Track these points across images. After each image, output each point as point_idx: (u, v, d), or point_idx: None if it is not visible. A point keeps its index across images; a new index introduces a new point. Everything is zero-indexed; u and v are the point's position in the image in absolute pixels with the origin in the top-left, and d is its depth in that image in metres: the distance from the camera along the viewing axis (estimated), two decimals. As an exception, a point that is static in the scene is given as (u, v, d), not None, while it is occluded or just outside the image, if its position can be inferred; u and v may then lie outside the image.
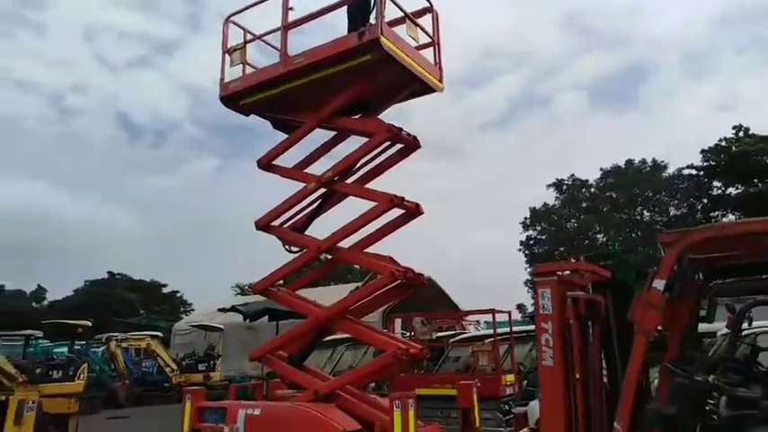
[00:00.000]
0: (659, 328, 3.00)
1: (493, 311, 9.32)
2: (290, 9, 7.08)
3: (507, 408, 8.41)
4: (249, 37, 7.43)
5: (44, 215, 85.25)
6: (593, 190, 42.27)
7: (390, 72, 6.54)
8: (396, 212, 6.92)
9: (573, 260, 4.08)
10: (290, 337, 7.14)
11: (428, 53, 7.18)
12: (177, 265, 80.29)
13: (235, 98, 7.24)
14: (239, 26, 7.42)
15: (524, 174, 74.76)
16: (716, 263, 3.74)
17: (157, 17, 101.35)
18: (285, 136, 7.57)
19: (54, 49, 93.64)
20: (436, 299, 24.13)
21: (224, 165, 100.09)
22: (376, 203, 6.63)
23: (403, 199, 6.58)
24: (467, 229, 76.32)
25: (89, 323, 17.08)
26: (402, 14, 6.78)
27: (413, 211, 6.77)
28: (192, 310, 53.01)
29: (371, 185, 7.20)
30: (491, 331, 10.19)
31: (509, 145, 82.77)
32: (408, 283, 6.63)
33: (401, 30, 6.76)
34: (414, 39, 6.86)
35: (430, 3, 7.22)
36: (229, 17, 7.46)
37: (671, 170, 39.16)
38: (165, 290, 57.21)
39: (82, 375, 15.91)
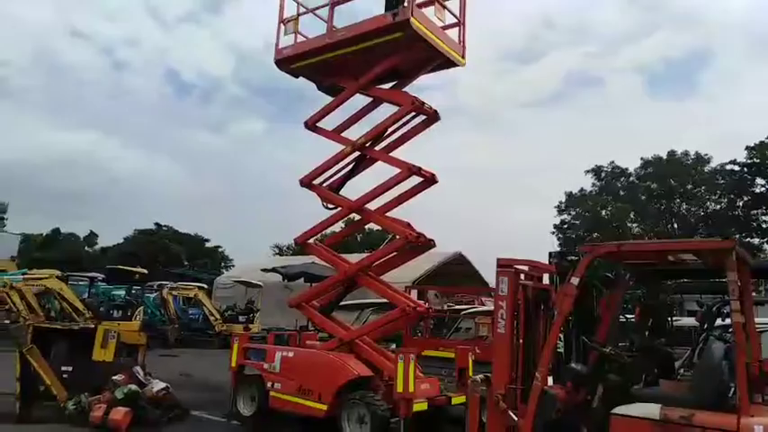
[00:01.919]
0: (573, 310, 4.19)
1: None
2: None
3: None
4: (302, 10, 8.71)
5: (96, 164, 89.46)
6: (631, 179, 42.13)
7: (418, 48, 7.84)
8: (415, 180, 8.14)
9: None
10: (323, 288, 8.58)
11: (454, 32, 8.37)
12: (219, 220, 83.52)
13: (287, 62, 8.66)
14: (295, 0, 8.71)
15: (567, 154, 74.14)
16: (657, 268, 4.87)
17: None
18: (328, 98, 8.91)
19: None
20: (468, 274, 25.38)
21: (267, 126, 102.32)
22: (399, 171, 7.91)
23: (420, 169, 7.86)
24: (505, 205, 76.76)
25: (146, 271, 19.12)
26: None
27: (429, 180, 8.03)
28: (233, 265, 55.70)
29: (397, 153, 8.49)
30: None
31: (557, 124, 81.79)
32: (421, 247, 7.94)
33: (430, 11, 7.96)
34: (440, 20, 8.08)
35: None
36: None
37: (714, 164, 38.71)
38: (207, 244, 59.94)
39: (138, 316, 18.00)
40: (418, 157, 8.09)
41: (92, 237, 62.76)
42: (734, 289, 3.51)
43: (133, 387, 7.44)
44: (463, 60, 8.34)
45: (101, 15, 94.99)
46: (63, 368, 7.90)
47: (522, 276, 4.80)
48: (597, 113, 77.70)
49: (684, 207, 40.34)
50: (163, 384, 7.85)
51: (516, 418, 4.20)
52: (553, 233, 43.36)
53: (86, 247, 61.10)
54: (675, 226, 40.69)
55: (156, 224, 58.82)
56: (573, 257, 4.74)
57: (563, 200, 43.36)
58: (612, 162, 42.48)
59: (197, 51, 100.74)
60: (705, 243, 4.09)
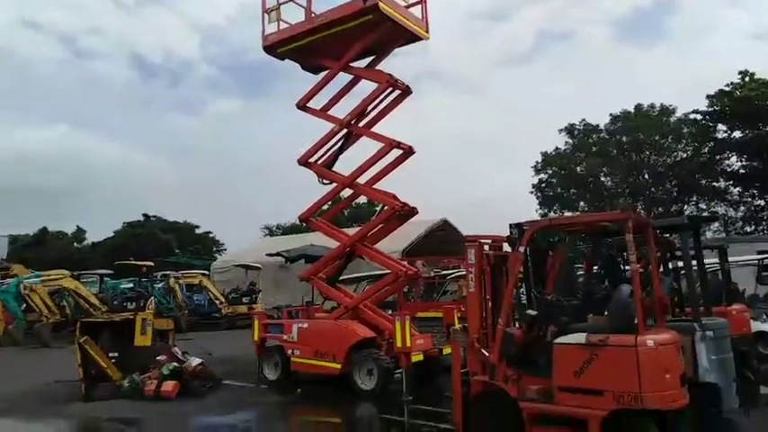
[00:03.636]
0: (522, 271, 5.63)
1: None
2: None
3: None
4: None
5: (74, 159, 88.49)
6: (602, 134, 43.75)
7: (387, 28, 9.16)
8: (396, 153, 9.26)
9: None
10: (326, 261, 9.90)
11: (418, 10, 9.57)
12: (205, 205, 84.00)
13: (273, 47, 9.88)
14: None
15: (541, 113, 75.50)
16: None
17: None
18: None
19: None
20: (454, 240, 26.91)
21: (241, 104, 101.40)
22: (381, 145, 9.16)
23: (399, 143, 9.17)
24: (486, 166, 78.38)
25: (152, 264, 20.32)
26: None
27: (408, 152, 9.32)
28: (224, 249, 56.78)
29: (379, 126, 9.64)
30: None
31: (529, 82, 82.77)
32: (405, 214, 9.27)
33: None
34: (404, 0, 9.32)
35: None
36: None
37: (679, 114, 40.40)
38: (198, 230, 60.75)
39: (150, 306, 19.27)
40: (400, 126, 9.16)
41: (80, 233, 63.05)
42: (630, 246, 4.94)
43: (175, 364, 8.82)
44: (427, 35, 9.62)
45: (58, 4, 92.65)
46: (110, 354, 9.21)
47: (487, 247, 6.20)
48: (571, 67, 78.81)
49: (653, 158, 42.11)
50: (198, 360, 9.24)
51: (487, 354, 5.65)
52: (532, 192, 45.17)
53: (75, 244, 61.44)
54: (647, 177, 42.60)
55: (144, 215, 59.38)
56: (525, 228, 6.13)
57: (539, 160, 44.97)
58: (584, 120, 44.04)
59: (161, 33, 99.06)
60: (610, 215, 5.53)
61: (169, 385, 8.46)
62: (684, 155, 40.62)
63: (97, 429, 7.23)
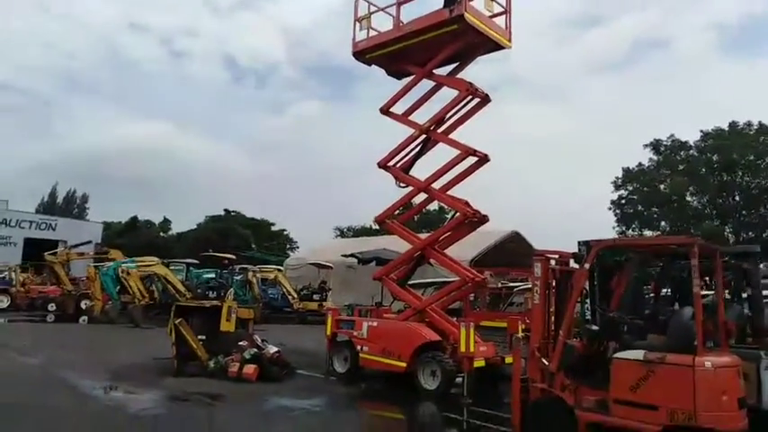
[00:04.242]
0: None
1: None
2: None
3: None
4: (373, 9, 10.43)
5: (165, 153, 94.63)
6: (691, 152, 41.77)
7: (471, 37, 9.51)
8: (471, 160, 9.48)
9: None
10: (398, 263, 10.38)
11: (502, 20, 9.83)
12: (282, 203, 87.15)
13: (362, 53, 10.46)
14: (367, 1, 10.47)
15: (625, 126, 72.74)
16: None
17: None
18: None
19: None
20: (524, 252, 26.78)
21: (322, 106, 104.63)
22: (457, 152, 9.48)
23: (476, 150, 9.45)
24: (563, 180, 76.39)
25: (234, 256, 21.68)
26: None
27: (483, 159, 9.58)
28: (297, 247, 58.92)
29: (456, 134, 9.96)
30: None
31: (617, 92, 79.72)
32: (477, 222, 9.55)
33: (480, 2, 9.54)
34: (489, 10, 9.64)
35: None
36: None
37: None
38: (273, 228, 63.28)
39: (230, 297, 20.55)
40: (478, 133, 9.38)
41: (166, 223, 67.37)
42: (694, 271, 5.10)
43: (255, 350, 9.62)
44: (510, 44, 9.89)
45: (159, 8, 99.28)
46: (199, 337, 10.14)
47: (553, 262, 6.48)
48: (663, 79, 75.16)
49: (747, 179, 39.74)
50: (275, 348, 10.00)
51: (547, 363, 5.94)
52: (610, 209, 43.81)
53: (161, 233, 65.57)
54: (737, 198, 40.25)
55: (226, 210, 62.60)
56: (591, 246, 6.36)
57: (619, 175, 43.58)
58: (672, 135, 42.29)
59: (251, 36, 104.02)
60: (676, 239, 5.66)
61: (250, 368, 9.26)
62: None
63: (189, 401, 8.08)
